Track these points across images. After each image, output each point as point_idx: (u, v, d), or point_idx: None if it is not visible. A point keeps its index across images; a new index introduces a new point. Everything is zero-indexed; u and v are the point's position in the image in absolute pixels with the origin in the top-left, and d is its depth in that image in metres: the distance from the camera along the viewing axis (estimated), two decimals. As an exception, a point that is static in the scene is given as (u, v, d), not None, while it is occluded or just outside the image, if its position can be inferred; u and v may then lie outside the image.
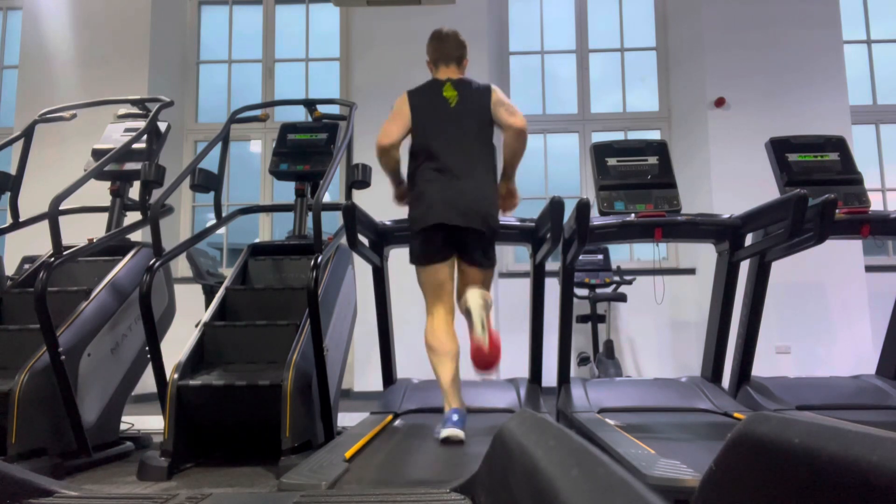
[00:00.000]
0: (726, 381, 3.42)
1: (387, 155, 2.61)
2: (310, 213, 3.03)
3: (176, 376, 2.45)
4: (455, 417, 2.38)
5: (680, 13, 5.73)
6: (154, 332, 2.62)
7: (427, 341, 2.57)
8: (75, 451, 2.54)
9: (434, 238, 2.53)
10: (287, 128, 3.57)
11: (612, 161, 3.39)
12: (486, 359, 2.40)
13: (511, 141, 2.59)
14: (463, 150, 2.56)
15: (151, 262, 2.64)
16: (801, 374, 3.94)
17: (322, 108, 3.61)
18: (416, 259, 2.63)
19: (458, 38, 2.76)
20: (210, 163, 3.28)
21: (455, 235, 2.52)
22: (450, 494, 1.48)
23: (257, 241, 3.61)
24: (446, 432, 2.32)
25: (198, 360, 2.66)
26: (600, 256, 4.95)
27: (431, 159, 2.57)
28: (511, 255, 5.65)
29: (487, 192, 2.57)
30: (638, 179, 3.33)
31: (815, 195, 2.82)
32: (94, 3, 5.66)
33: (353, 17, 5.75)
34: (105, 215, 3.34)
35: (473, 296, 2.47)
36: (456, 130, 2.58)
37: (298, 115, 5.05)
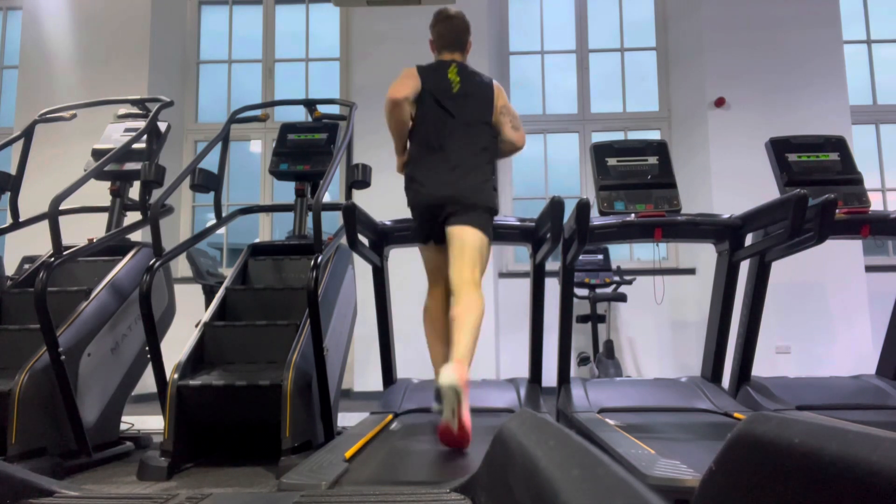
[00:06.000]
0: (726, 381, 3.41)
1: (399, 108, 2.50)
2: (310, 213, 3.03)
3: (176, 376, 2.45)
4: None
5: (680, 13, 5.72)
6: (154, 332, 2.62)
7: (424, 319, 2.72)
8: (75, 451, 2.54)
9: (428, 218, 2.57)
10: (287, 128, 3.57)
11: (612, 161, 3.39)
12: (454, 441, 2.14)
13: (504, 149, 2.74)
14: (461, 134, 2.57)
15: (151, 262, 2.64)
16: (801, 374, 3.93)
17: (322, 108, 3.61)
18: (414, 236, 2.73)
19: (464, 21, 2.73)
20: (210, 163, 3.28)
21: (446, 215, 2.53)
22: (450, 494, 1.47)
23: (257, 241, 3.61)
24: (437, 406, 2.34)
25: (198, 360, 2.66)
26: (600, 256, 4.95)
27: (428, 139, 2.58)
28: (511, 255, 5.65)
29: (482, 177, 2.55)
30: (638, 179, 3.33)
31: (815, 195, 2.81)
32: (94, 3, 5.66)
33: (353, 17, 5.75)
34: (105, 215, 3.34)
35: (445, 377, 2.09)
36: (456, 113, 2.58)
37: (298, 115, 5.06)
